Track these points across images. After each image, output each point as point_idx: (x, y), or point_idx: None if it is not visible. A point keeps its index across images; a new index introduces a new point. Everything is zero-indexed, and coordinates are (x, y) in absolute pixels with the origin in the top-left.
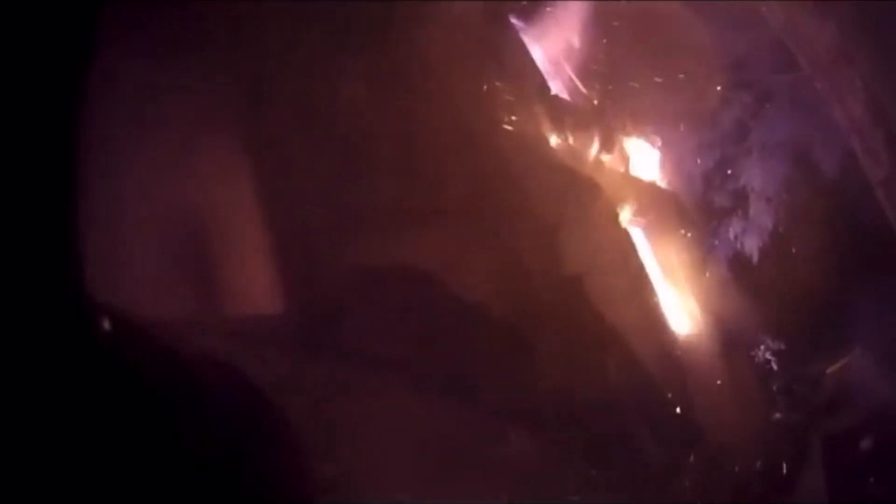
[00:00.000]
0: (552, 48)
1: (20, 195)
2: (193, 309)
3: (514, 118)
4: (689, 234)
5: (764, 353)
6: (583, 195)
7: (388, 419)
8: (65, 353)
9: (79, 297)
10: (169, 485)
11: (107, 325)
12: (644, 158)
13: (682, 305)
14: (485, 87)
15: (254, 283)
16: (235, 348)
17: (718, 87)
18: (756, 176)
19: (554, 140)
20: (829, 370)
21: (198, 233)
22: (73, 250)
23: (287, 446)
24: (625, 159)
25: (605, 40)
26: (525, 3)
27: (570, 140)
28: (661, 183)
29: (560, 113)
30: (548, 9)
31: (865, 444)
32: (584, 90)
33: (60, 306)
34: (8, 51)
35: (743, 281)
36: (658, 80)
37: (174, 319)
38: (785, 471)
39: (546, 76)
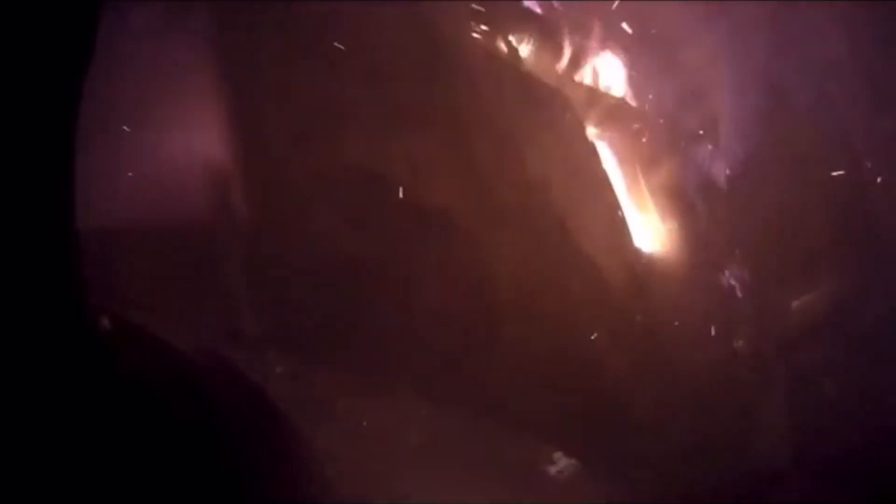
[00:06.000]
0: None
1: (20, 192)
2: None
3: (483, 28)
4: (655, 153)
5: (728, 278)
6: (551, 107)
7: (388, 419)
8: (65, 354)
9: (79, 297)
10: (169, 484)
11: (107, 324)
12: (614, 75)
13: (646, 222)
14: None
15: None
16: (235, 348)
17: (694, 14)
18: (727, 103)
19: (523, 52)
20: (795, 304)
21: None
22: (71, 234)
23: (287, 446)
24: (595, 75)
25: None
26: None
27: (540, 53)
28: (631, 100)
29: (530, 25)
30: None
31: (829, 384)
32: (556, 4)
33: (60, 306)
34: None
35: (709, 204)
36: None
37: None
38: (746, 403)
39: None
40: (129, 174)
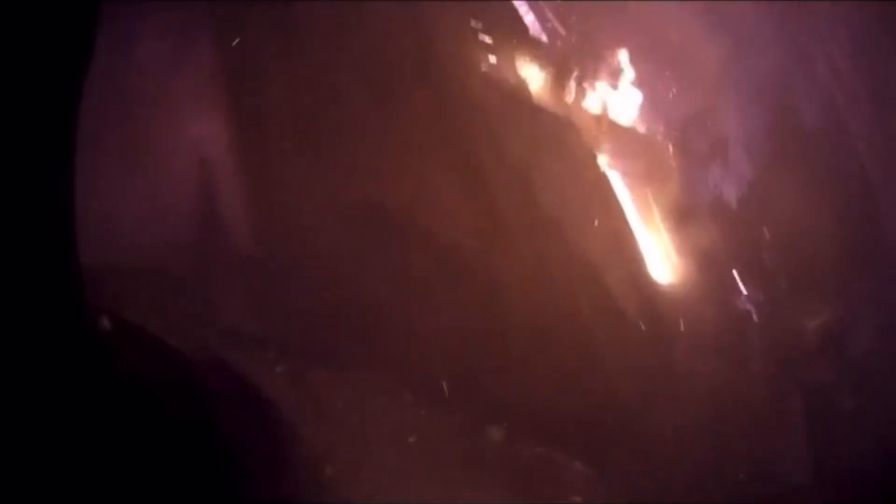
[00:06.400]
0: None
1: (19, 192)
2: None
3: (490, 60)
4: (666, 177)
5: (744, 303)
6: (560, 137)
7: (387, 420)
8: (65, 353)
9: (79, 297)
10: (168, 484)
11: (107, 324)
12: (623, 102)
13: (660, 251)
14: (461, 27)
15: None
16: (235, 348)
17: (699, 31)
18: (736, 124)
19: (531, 82)
20: (811, 324)
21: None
22: (71, 234)
23: (287, 447)
24: (603, 102)
25: None
26: None
27: (548, 82)
28: (640, 127)
29: (537, 54)
30: None
31: (846, 402)
32: (563, 32)
33: (60, 306)
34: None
35: (722, 227)
36: (639, 24)
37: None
38: (763, 425)
39: (524, 18)
40: (130, 175)
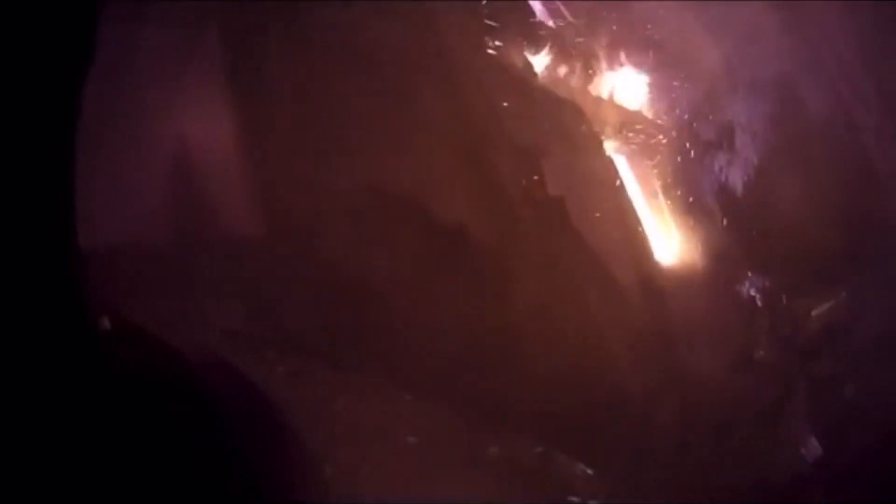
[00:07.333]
0: None
1: (20, 193)
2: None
3: (496, 43)
4: (672, 164)
5: (748, 288)
6: (566, 122)
7: (387, 420)
8: (65, 353)
9: (79, 297)
10: (168, 484)
11: (107, 324)
12: (629, 87)
13: (665, 235)
14: (468, 11)
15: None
16: (235, 348)
17: (707, 22)
18: (742, 111)
19: (538, 66)
20: (815, 312)
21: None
22: (71, 234)
23: (287, 446)
24: (610, 87)
25: None
26: None
27: (555, 66)
28: (646, 112)
29: (543, 39)
30: None
31: (850, 390)
32: (569, 17)
33: (60, 306)
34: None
35: (727, 214)
36: (646, 10)
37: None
38: (767, 412)
39: (531, 1)
40: (132, 176)
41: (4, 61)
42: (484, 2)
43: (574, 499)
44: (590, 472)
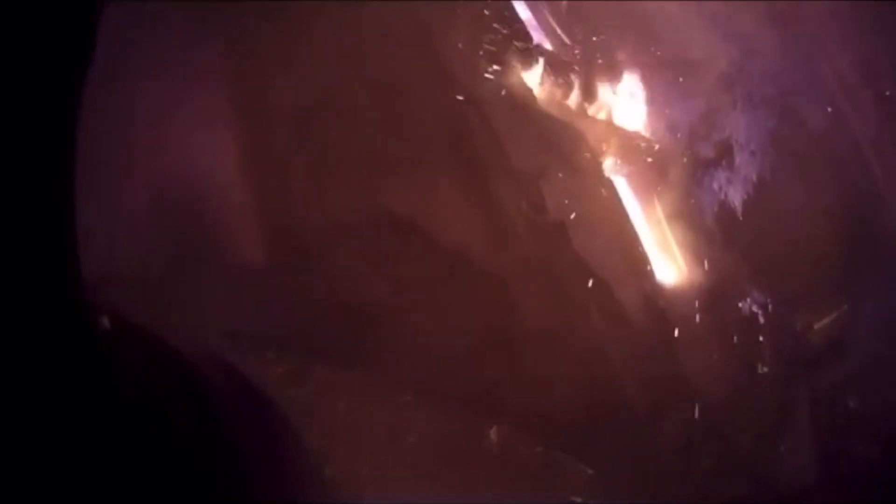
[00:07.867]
0: None
1: (20, 192)
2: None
3: (496, 68)
4: (672, 183)
5: (750, 305)
6: (566, 144)
7: (387, 420)
8: (65, 354)
9: (79, 297)
10: (168, 484)
11: (107, 324)
12: (628, 108)
13: (666, 255)
14: (468, 36)
15: (239, 235)
16: (235, 348)
17: (704, 39)
18: (741, 128)
19: (537, 90)
20: (817, 325)
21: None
22: (72, 234)
23: (287, 446)
24: (608, 109)
25: None
26: None
27: (553, 90)
28: (645, 132)
29: (543, 62)
30: None
31: (852, 402)
32: (567, 40)
33: (60, 306)
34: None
35: (728, 232)
36: (643, 31)
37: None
38: (770, 426)
39: (528, 26)
40: (133, 179)
41: (4, 62)
42: (482, 31)
43: (576, 499)
44: (589, 471)
